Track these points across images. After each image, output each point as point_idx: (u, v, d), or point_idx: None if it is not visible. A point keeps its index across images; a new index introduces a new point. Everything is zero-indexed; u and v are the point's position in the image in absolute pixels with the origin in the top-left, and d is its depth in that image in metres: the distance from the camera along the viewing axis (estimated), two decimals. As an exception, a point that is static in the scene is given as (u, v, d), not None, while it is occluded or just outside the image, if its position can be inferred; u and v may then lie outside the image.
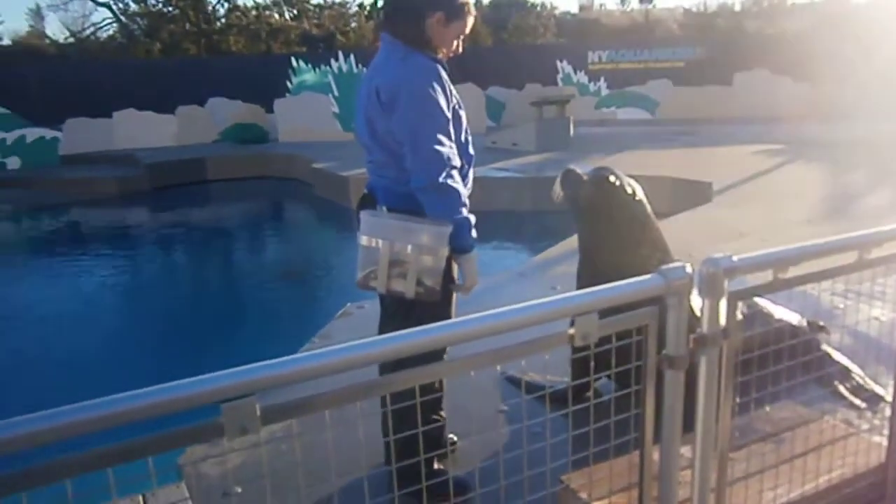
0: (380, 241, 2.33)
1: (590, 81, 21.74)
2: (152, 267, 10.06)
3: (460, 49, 2.53)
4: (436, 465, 2.62)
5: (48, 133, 17.01)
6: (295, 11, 32.36)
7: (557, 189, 3.09)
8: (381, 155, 2.46)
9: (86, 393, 1.21)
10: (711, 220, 7.39)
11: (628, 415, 1.79)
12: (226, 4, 32.14)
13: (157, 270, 9.83)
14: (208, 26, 30.70)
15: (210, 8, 31.61)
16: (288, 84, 19.24)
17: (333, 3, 33.27)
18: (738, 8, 32.76)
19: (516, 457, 1.73)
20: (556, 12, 38.23)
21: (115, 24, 31.03)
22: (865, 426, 2.83)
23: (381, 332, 2.59)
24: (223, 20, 31.93)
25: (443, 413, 2.63)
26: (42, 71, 22.81)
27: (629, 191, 3.01)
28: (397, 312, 2.48)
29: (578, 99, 19.80)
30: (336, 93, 18.13)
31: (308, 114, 18.15)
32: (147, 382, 1.20)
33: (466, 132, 2.54)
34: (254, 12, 31.87)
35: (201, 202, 14.52)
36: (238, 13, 31.77)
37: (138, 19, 30.80)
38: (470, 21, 2.48)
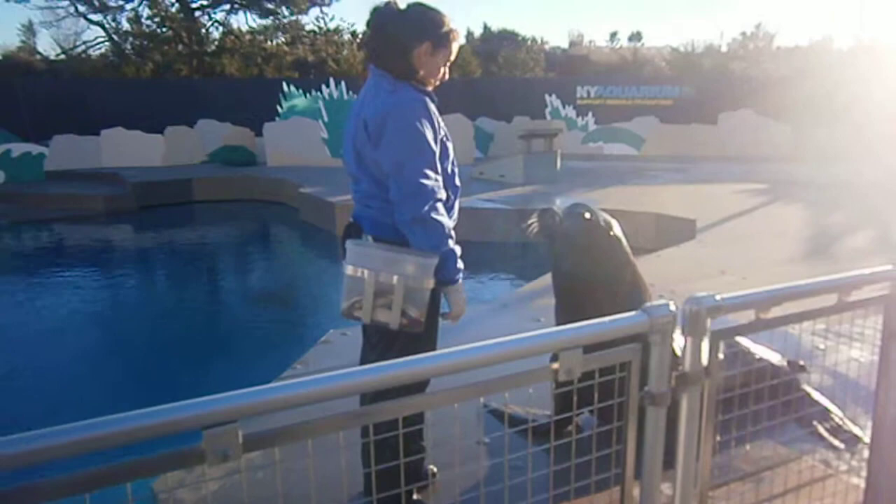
0: (365, 271, 2.32)
1: (578, 116, 22.00)
2: (135, 288, 9.97)
3: (447, 76, 2.55)
4: (415, 497, 2.60)
5: (35, 149, 16.97)
6: (288, 37, 32.59)
7: (533, 225, 3.10)
8: (368, 185, 2.46)
9: (64, 416, 1.20)
10: (694, 257, 7.45)
11: (610, 451, 1.79)
12: (220, 28, 32.35)
13: (140, 292, 9.74)
14: (201, 48, 30.82)
15: (204, 30, 31.78)
16: (278, 108, 19.32)
17: (327, 31, 33.55)
18: (724, 49, 33.36)
19: (497, 490, 1.73)
20: (547, 47, 38.66)
21: (107, 43, 31.08)
22: (844, 467, 2.85)
23: (362, 361, 2.58)
24: (217, 43, 32.08)
25: (423, 444, 2.61)
26: (32, 86, 22.76)
27: (605, 227, 3.03)
28: (380, 342, 2.48)
29: (566, 133, 20.02)
30: (326, 118, 18.23)
31: (297, 138, 18.21)
32: (128, 406, 1.20)
33: (453, 164, 2.56)
34: (248, 36, 32.05)
35: (187, 223, 14.47)
36: (232, 37, 31.94)
37: (131, 39, 30.87)
38: (455, 47, 2.50)
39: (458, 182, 2.60)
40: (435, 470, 2.84)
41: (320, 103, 18.45)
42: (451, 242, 2.40)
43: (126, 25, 30.69)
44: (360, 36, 34.17)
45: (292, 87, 19.79)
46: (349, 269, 2.36)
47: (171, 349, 6.69)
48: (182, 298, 9.28)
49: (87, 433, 1.12)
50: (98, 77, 26.77)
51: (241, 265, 11.57)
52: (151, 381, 5.65)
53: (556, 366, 1.54)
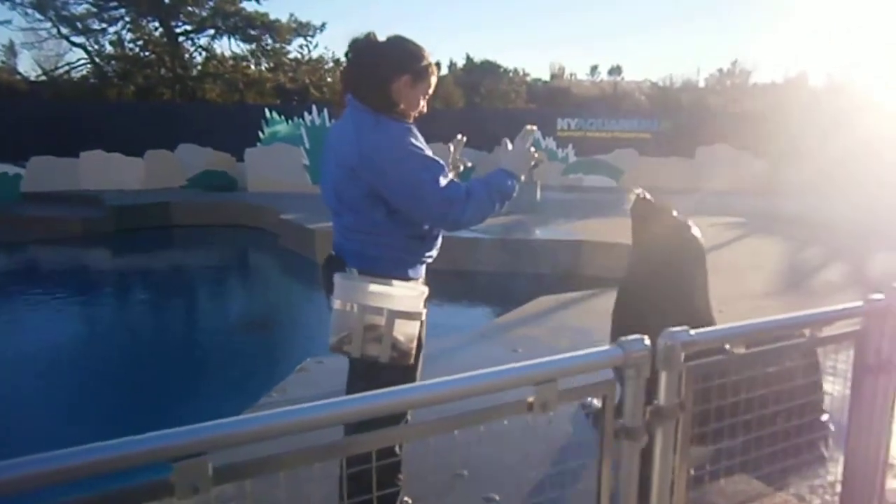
0: (354, 305, 2.29)
1: (558, 148, 22.21)
2: (108, 313, 9.82)
3: (425, 109, 2.54)
4: None
5: (11, 169, 16.79)
6: (271, 64, 32.73)
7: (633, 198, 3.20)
8: (350, 219, 2.45)
9: (29, 447, 1.17)
10: (672, 288, 7.49)
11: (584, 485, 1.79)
12: (203, 53, 32.44)
13: (113, 317, 9.60)
14: (184, 72, 30.84)
15: (187, 55, 31.84)
16: (260, 134, 19.32)
17: (310, 59, 33.74)
18: (701, 84, 33.99)
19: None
20: (528, 79, 39.18)
21: (89, 66, 31.02)
22: (817, 501, 2.86)
23: (349, 391, 2.54)
24: (199, 68, 32.14)
25: (401, 477, 2.58)
26: (11, 107, 22.61)
27: (701, 243, 3.08)
28: (367, 373, 2.42)
29: (546, 164, 20.19)
30: (307, 145, 18.24)
31: (278, 164, 18.19)
32: (96, 437, 1.18)
33: None
34: (230, 62, 32.16)
35: (164, 247, 14.34)
36: (215, 62, 32.03)
37: (113, 62, 30.84)
38: (434, 81, 2.52)
39: None
40: (410, 502, 2.81)
41: (302, 130, 18.47)
42: (497, 198, 2.44)
43: (109, 48, 30.69)
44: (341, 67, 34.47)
45: (274, 114, 19.83)
46: (337, 304, 2.32)
47: (144, 377, 6.58)
48: (156, 325, 9.17)
49: (51, 465, 1.10)
50: (79, 99, 26.63)
51: (217, 291, 11.47)
52: (122, 411, 5.55)
53: (531, 399, 1.54)
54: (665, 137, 22.26)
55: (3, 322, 8.67)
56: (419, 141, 2.40)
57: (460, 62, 40.10)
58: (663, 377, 1.74)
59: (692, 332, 1.76)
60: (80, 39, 30.20)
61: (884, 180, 14.89)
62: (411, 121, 2.50)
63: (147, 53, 30.47)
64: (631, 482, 1.74)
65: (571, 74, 42.33)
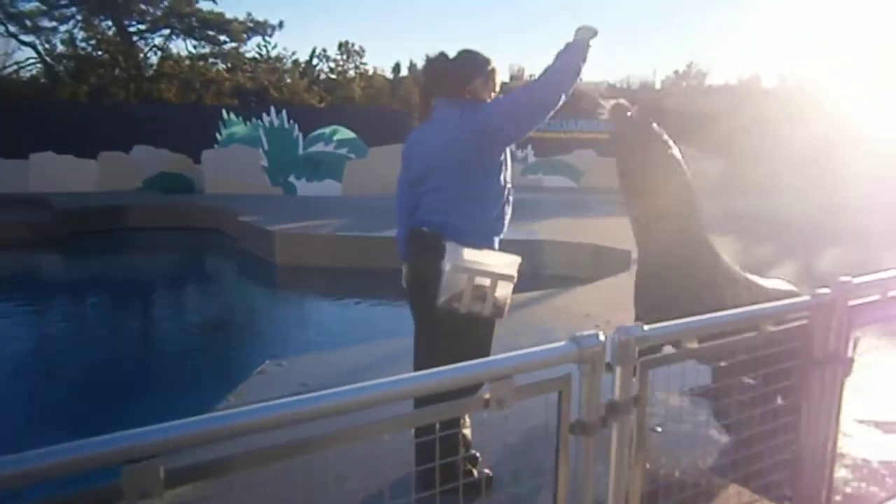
0: (463, 268, 2.69)
1: (517, 148, 22.36)
2: (60, 317, 9.58)
3: None
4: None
5: (-44, 172, 16.31)
6: (229, 64, 32.31)
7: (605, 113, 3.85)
8: (454, 190, 2.88)
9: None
10: (629, 287, 7.57)
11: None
12: (158, 53, 31.87)
13: (66, 321, 9.37)
14: (138, 73, 30.26)
15: (141, 55, 31.24)
16: (217, 135, 19.04)
17: (269, 59, 33.39)
18: (658, 86, 34.54)
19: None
20: (488, 80, 39.31)
21: (39, 65, 30.23)
22: (769, 492, 2.92)
23: (428, 350, 2.94)
24: (155, 68, 31.58)
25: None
26: (-45, 107, 21.91)
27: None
28: (468, 327, 2.80)
29: (507, 164, 20.28)
30: (266, 146, 18.05)
31: (236, 166, 17.96)
32: (46, 442, 1.15)
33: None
34: (187, 62, 31.66)
35: (119, 251, 14.05)
36: (171, 62, 31.49)
37: (65, 61, 30.11)
38: (498, 79, 3.14)
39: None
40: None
41: (260, 131, 18.28)
42: (580, 59, 3.04)
43: (60, 47, 29.96)
44: (302, 65, 34.20)
45: (232, 115, 19.58)
46: (448, 267, 2.70)
47: (98, 384, 6.43)
48: (110, 330, 8.97)
49: (-4, 471, 1.07)
50: (28, 98, 25.92)
51: (175, 295, 11.27)
52: (74, 419, 5.41)
53: (487, 396, 1.55)
54: (623, 138, 22.53)
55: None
56: None
57: (419, 63, 40.09)
58: (618, 372, 1.76)
59: (646, 327, 1.79)
60: (29, 38, 29.43)
61: (836, 178, 15.32)
62: None
63: (100, 53, 29.84)
64: (587, 476, 1.76)
65: (531, 76, 42.53)
